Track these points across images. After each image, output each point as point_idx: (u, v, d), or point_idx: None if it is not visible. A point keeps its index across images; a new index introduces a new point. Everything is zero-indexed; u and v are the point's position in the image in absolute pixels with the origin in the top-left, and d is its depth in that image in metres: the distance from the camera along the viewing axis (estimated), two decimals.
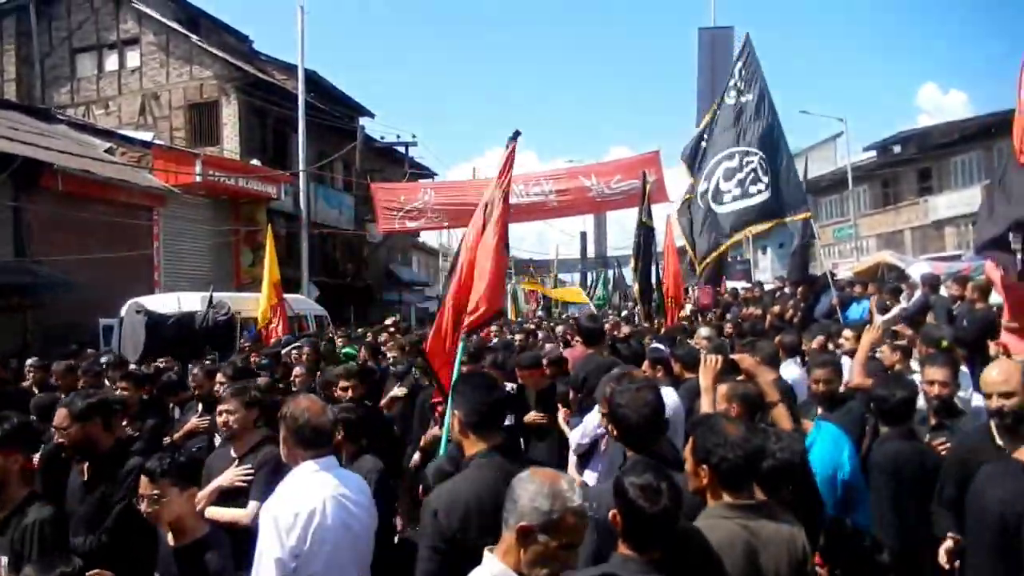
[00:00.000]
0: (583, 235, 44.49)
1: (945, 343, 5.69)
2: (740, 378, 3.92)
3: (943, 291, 9.81)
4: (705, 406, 3.54)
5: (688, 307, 14.54)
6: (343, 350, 8.58)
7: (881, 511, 3.63)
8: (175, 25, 22.84)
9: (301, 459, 2.79)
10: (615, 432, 2.89)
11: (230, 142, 22.24)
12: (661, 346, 7.31)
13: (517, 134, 5.06)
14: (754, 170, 8.86)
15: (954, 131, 31.77)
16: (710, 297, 14.18)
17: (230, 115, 22.35)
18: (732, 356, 3.98)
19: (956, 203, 31.68)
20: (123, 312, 13.24)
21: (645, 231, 10.82)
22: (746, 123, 9.06)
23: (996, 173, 8.05)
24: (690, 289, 16.95)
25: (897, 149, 36.94)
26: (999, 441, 3.23)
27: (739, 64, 9.34)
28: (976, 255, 10.69)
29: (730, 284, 19.56)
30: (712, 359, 3.73)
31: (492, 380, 2.99)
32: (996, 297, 7.96)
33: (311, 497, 2.67)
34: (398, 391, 6.45)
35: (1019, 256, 7.85)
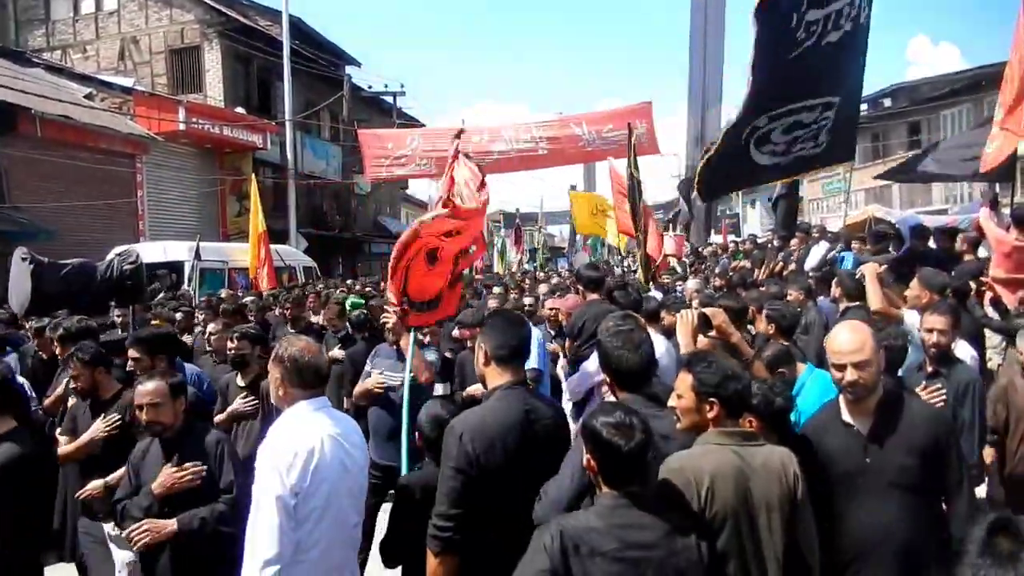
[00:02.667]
0: (572, 188, 44.32)
1: (949, 290, 5.67)
2: (712, 334, 3.94)
3: (931, 244, 9.83)
4: None
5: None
6: (349, 300, 8.52)
7: None
8: None
9: (296, 399, 2.77)
10: (607, 374, 2.88)
11: (213, 89, 21.78)
12: (657, 294, 7.35)
13: (460, 132, 5.10)
14: (820, 128, 7.84)
15: (944, 84, 31.65)
16: (679, 247, 13.96)
17: (213, 61, 21.84)
18: (704, 311, 3.94)
19: (944, 157, 31.63)
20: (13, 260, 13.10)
21: (633, 183, 10.75)
22: (841, 59, 7.56)
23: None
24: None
25: (887, 103, 36.82)
26: (847, 418, 2.87)
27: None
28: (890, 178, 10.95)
29: (717, 238, 19.58)
30: (687, 314, 3.68)
31: (520, 317, 3.05)
32: (983, 252, 8.06)
33: (309, 436, 2.67)
34: None
35: (1008, 210, 7.91)
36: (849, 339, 2.80)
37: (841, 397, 2.89)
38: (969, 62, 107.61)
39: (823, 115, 7.54)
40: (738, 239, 18.84)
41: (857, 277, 5.73)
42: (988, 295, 6.70)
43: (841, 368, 2.77)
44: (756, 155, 7.89)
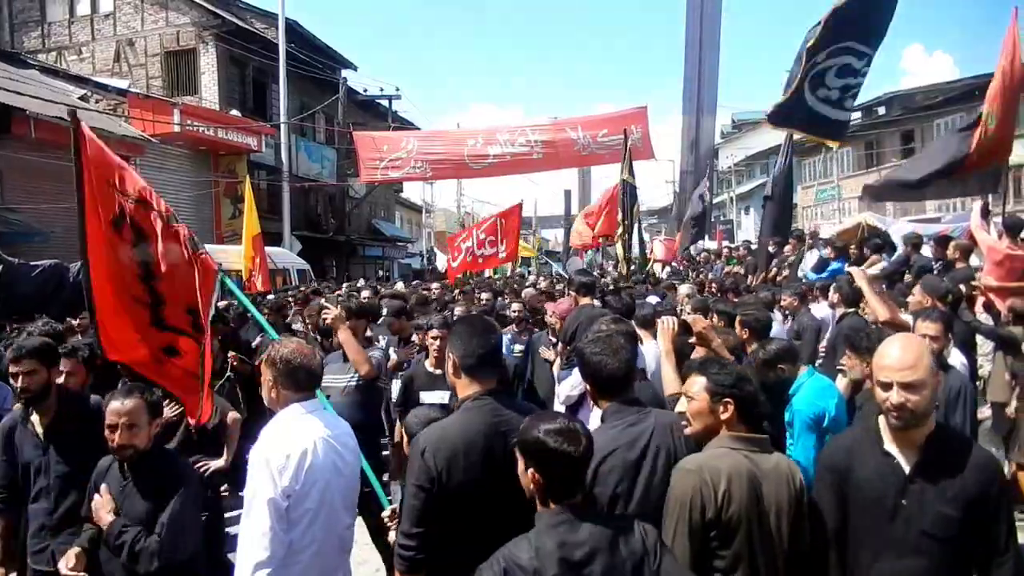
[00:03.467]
0: (567, 193, 44.38)
1: (951, 297, 5.68)
2: (692, 340, 3.96)
3: (925, 250, 9.89)
4: (667, 371, 3.42)
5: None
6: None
7: None
8: None
9: (289, 401, 2.77)
10: (587, 381, 2.86)
11: (208, 92, 21.76)
12: (653, 299, 7.37)
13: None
14: (860, 85, 8.39)
15: (938, 93, 31.84)
16: (671, 253, 14.00)
17: (208, 64, 21.84)
18: (685, 318, 3.97)
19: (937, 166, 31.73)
20: None
21: (628, 188, 10.79)
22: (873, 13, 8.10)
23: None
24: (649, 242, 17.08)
25: (881, 111, 37.00)
26: (889, 446, 2.42)
27: None
28: (873, 198, 11.06)
29: (711, 244, 19.55)
30: (668, 321, 3.65)
31: (488, 324, 2.95)
32: (975, 260, 8.12)
33: (302, 438, 2.66)
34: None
35: (999, 219, 7.97)
36: (900, 355, 2.32)
37: (882, 419, 2.44)
38: (963, 71, 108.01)
39: (864, 69, 7.84)
40: (732, 245, 18.88)
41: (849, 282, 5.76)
42: (980, 301, 6.76)
43: (887, 387, 2.33)
44: (810, 99, 8.09)
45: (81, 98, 18.16)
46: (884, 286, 8.58)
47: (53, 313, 6.33)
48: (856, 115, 38.22)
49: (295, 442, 2.64)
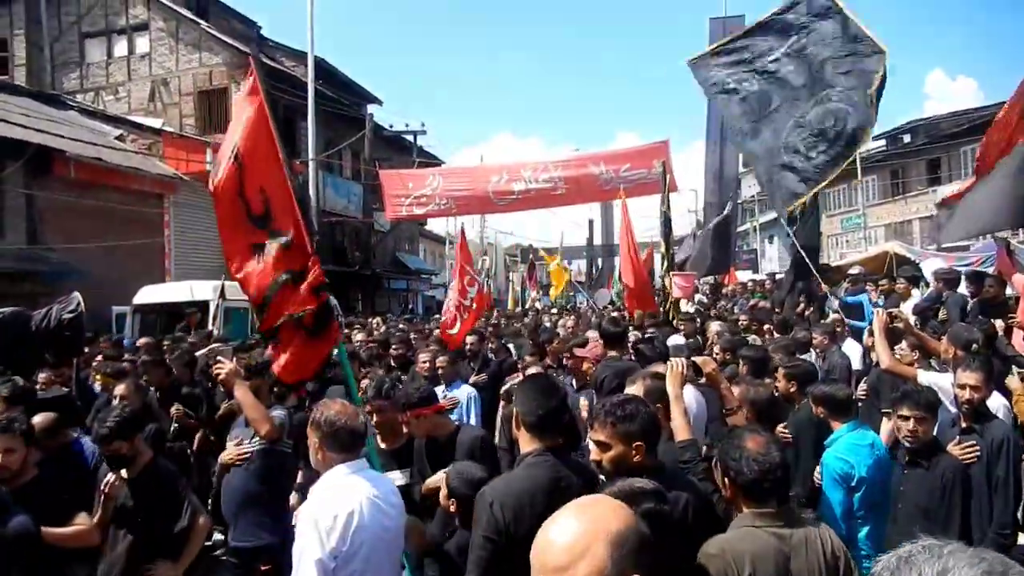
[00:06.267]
0: (591, 222, 44.44)
1: (976, 346, 5.64)
2: (702, 381, 3.96)
3: (962, 287, 9.75)
4: (676, 417, 3.30)
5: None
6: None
7: None
8: (184, 11, 22.82)
9: (334, 463, 2.85)
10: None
11: None
12: (680, 340, 7.37)
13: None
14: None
15: (963, 121, 31.65)
16: (687, 289, 13.54)
17: (239, 103, 22.35)
18: (695, 359, 3.90)
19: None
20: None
21: (666, 220, 10.87)
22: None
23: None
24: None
25: (906, 138, 36.80)
26: None
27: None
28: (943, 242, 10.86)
29: (741, 274, 19.39)
30: (677, 363, 3.49)
31: (553, 383, 3.06)
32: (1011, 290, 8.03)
33: (349, 499, 2.74)
34: None
35: None
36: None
37: None
38: (986, 95, 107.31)
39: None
40: (757, 277, 18.76)
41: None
42: (1020, 334, 6.66)
43: None
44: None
45: (118, 138, 18.67)
46: (917, 322, 8.56)
47: (15, 363, 5.75)
48: (880, 143, 38.18)
49: (343, 503, 2.72)
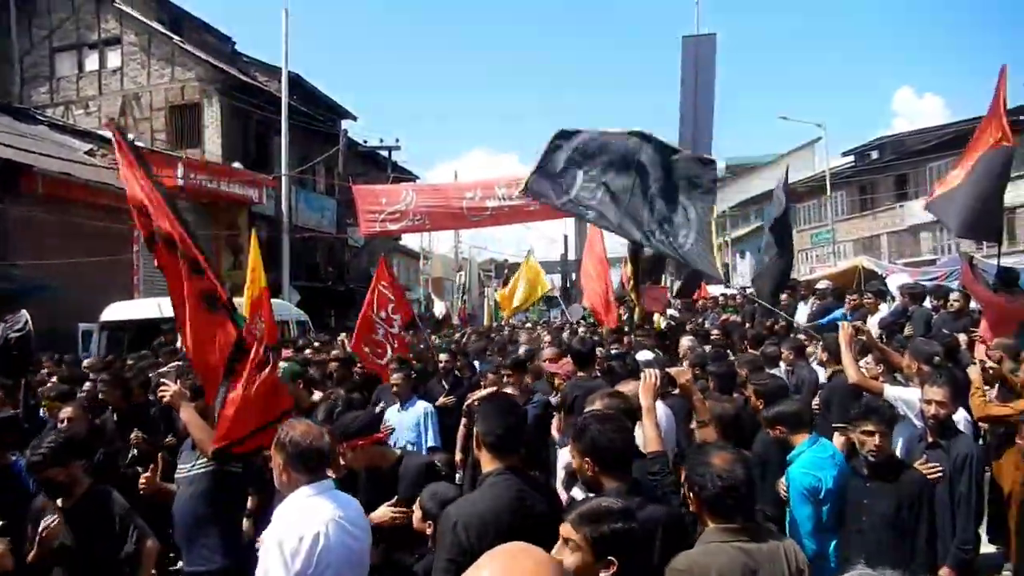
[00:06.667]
0: (565, 238, 44.67)
1: (938, 358, 5.74)
2: (675, 391, 4.00)
3: (927, 302, 9.93)
4: (648, 429, 3.34)
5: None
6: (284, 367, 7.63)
7: None
8: (157, 25, 22.67)
9: (299, 484, 2.83)
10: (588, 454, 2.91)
11: (212, 145, 22.10)
12: (649, 355, 7.41)
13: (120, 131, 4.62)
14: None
15: (930, 138, 32.34)
16: (658, 302, 13.29)
17: (212, 118, 22.22)
18: (669, 370, 3.94)
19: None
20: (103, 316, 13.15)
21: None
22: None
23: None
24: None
25: (874, 155, 37.53)
26: None
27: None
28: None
29: (714, 289, 19.42)
30: (650, 374, 3.55)
31: (512, 403, 3.08)
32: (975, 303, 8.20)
33: (314, 521, 2.72)
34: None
35: (992, 272, 8.07)
36: None
37: None
38: (953, 112, 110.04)
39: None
40: (727, 291, 18.93)
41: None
42: (983, 348, 6.80)
43: None
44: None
45: (87, 152, 18.45)
46: (884, 336, 8.70)
47: None
48: (849, 159, 38.86)
49: (308, 525, 2.70)
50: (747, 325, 11.45)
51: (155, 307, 13.32)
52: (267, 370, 3.91)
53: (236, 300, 14.07)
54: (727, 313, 14.01)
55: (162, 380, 4.40)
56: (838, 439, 4.44)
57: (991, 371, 5.60)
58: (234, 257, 20.68)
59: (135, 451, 5.31)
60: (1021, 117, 24.71)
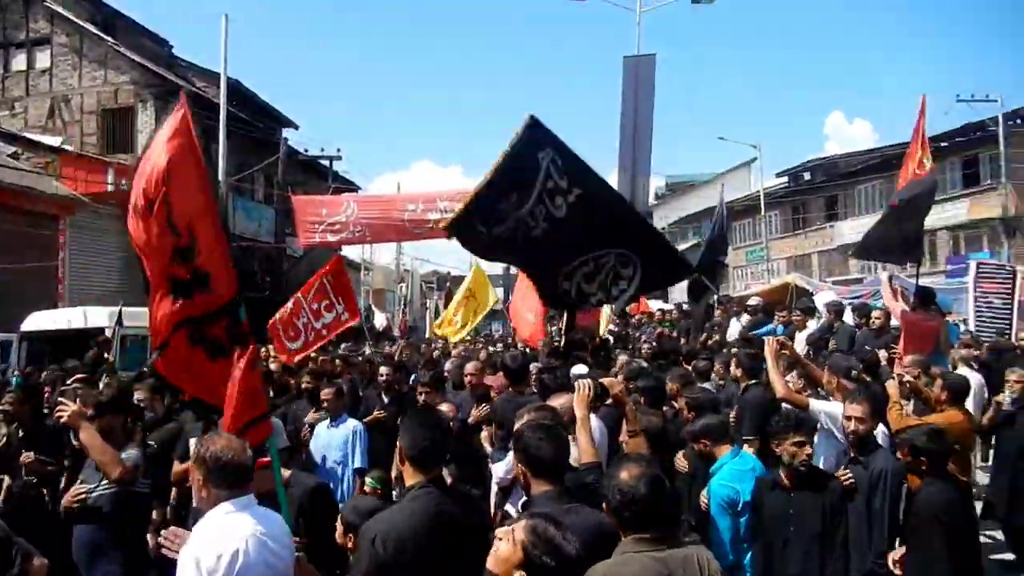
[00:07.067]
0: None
1: (855, 372, 5.96)
2: (608, 402, 4.06)
3: (848, 318, 10.32)
4: (583, 439, 3.40)
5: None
6: None
7: None
8: (89, 26, 21.98)
9: (219, 500, 2.76)
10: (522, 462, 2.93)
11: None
12: (584, 369, 7.47)
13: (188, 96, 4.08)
14: (610, 269, 6.39)
15: (858, 161, 33.68)
16: (591, 318, 13.16)
17: (146, 122, 21.62)
18: (602, 381, 3.98)
19: (860, 229, 33.37)
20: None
21: None
22: (581, 224, 6.11)
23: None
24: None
25: (807, 176, 38.83)
26: None
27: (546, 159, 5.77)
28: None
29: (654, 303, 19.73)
30: (584, 385, 3.60)
31: (435, 416, 3.06)
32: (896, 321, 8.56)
33: (234, 537, 2.65)
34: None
35: (911, 289, 8.44)
36: None
37: None
38: (881, 137, 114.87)
39: (600, 261, 6.28)
40: (664, 306, 19.29)
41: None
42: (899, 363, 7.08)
43: None
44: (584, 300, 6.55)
45: (12, 155, 17.73)
46: (811, 352, 8.99)
47: None
48: (783, 180, 40.12)
49: (227, 542, 2.63)
50: (682, 341, 11.69)
51: (80, 317, 12.87)
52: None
53: None
54: (663, 328, 14.28)
55: (60, 400, 4.23)
56: (748, 450, 4.56)
57: (908, 385, 5.86)
58: None
59: (29, 476, 5.00)
60: (942, 144, 26.08)
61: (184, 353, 3.65)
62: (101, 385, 7.58)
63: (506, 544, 2.10)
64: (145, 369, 9.14)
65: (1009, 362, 8.04)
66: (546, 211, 5.52)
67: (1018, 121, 28.81)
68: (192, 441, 4.22)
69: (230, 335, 3.65)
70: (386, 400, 7.03)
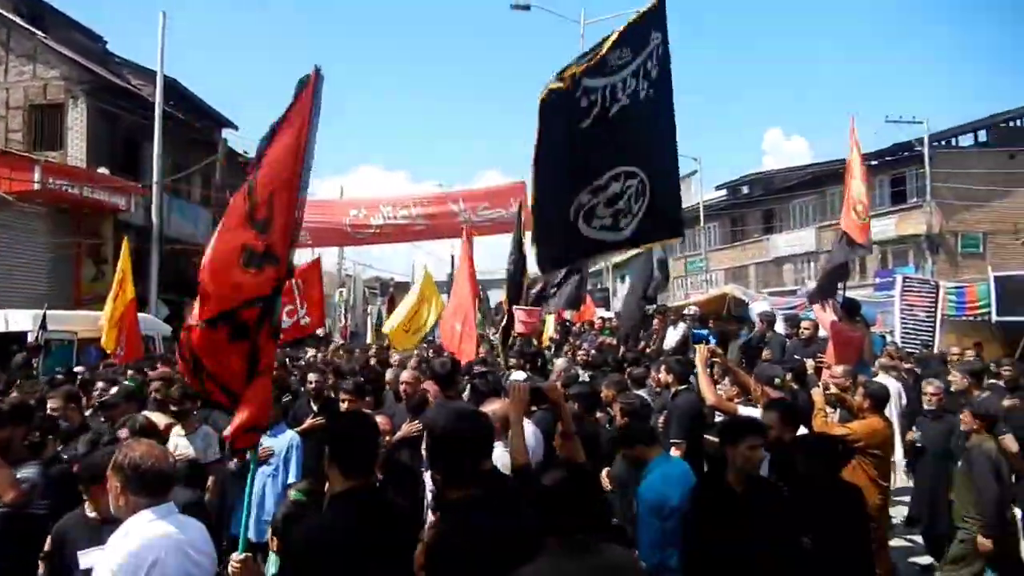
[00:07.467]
0: (452, 257, 44.68)
1: (778, 380, 6.16)
2: (545, 406, 4.10)
3: (779, 327, 10.64)
4: (516, 441, 3.42)
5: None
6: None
7: None
8: (16, 19, 21.11)
9: (139, 508, 2.68)
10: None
11: (75, 148, 20.73)
12: (522, 375, 7.52)
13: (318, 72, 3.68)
14: (630, 197, 6.69)
15: (794, 176, 34.75)
16: (530, 325, 13.07)
17: (76, 119, 20.86)
18: (539, 386, 4.01)
19: (794, 242, 34.54)
20: None
21: (519, 259, 11.05)
22: (630, 131, 6.55)
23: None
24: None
25: (745, 190, 39.87)
26: None
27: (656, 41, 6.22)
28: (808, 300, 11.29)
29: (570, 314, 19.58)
30: (519, 388, 3.61)
31: (364, 420, 3.03)
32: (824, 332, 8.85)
33: (153, 547, 2.59)
34: None
35: (839, 299, 8.73)
36: None
37: None
38: (816, 153, 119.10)
39: (627, 183, 6.61)
40: (606, 314, 19.49)
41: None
42: (827, 373, 7.34)
43: None
44: (585, 230, 6.63)
45: None
46: (742, 361, 9.22)
47: None
48: (722, 193, 41.12)
49: (145, 551, 2.57)
50: (622, 348, 11.84)
51: (1, 320, 12.36)
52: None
53: (94, 314, 13.24)
54: (603, 336, 14.43)
55: None
56: (675, 453, 4.66)
57: (831, 394, 6.07)
58: (96, 268, 19.45)
59: None
60: (872, 162, 27.13)
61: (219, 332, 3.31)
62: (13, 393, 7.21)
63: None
64: (59, 375, 8.77)
65: (934, 373, 8.42)
66: (635, 86, 6.04)
67: (943, 143, 30.19)
68: None
69: (258, 322, 3.29)
70: (314, 407, 6.81)
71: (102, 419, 5.97)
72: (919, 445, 6.61)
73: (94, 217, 19.65)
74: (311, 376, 7.14)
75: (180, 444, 5.33)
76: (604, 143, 6.19)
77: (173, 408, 5.59)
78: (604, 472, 4.73)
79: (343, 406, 5.58)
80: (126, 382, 6.43)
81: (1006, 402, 6.34)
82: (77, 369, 10.03)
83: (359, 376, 7.37)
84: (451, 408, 4.68)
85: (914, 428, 6.93)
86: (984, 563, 5.24)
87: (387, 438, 4.92)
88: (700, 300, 19.07)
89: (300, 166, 3.53)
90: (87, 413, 6.33)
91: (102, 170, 20.19)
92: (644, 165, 6.50)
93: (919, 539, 7.00)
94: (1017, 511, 5.74)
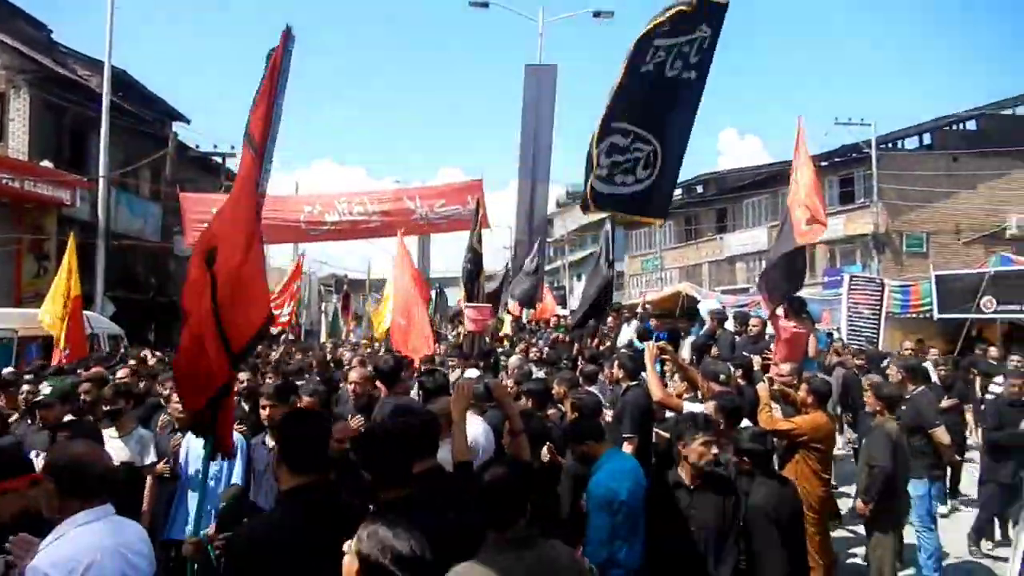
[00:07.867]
0: (410, 254, 44.34)
1: (723, 376, 6.28)
2: (491, 404, 4.15)
3: (729, 325, 10.83)
4: (458, 439, 3.43)
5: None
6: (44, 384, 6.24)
7: None
8: None
9: (74, 510, 2.61)
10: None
11: (17, 140, 20.07)
12: (475, 373, 7.54)
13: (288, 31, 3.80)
14: (636, 161, 6.97)
15: (747, 176, 35.36)
16: (481, 322, 13.04)
17: (19, 110, 20.19)
18: (487, 382, 4.09)
19: (746, 241, 35.16)
20: None
21: (475, 257, 11.09)
22: (657, 101, 6.77)
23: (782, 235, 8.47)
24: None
25: (700, 189, 40.43)
26: None
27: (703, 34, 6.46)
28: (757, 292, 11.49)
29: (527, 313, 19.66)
30: (463, 386, 3.65)
31: (316, 416, 3.01)
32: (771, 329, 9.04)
33: (88, 550, 2.51)
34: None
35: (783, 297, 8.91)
36: None
37: None
38: (770, 154, 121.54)
39: (634, 145, 6.84)
40: (561, 312, 19.61)
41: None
42: (775, 370, 7.50)
43: None
44: (593, 180, 6.97)
45: None
46: (693, 358, 9.37)
47: None
48: (678, 192, 41.66)
49: (80, 554, 2.49)
50: (575, 345, 11.92)
51: None
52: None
53: (35, 311, 12.86)
54: (558, 333, 14.53)
55: None
56: (628, 448, 4.73)
57: (775, 389, 6.22)
58: (38, 264, 18.86)
59: None
60: (822, 163, 27.74)
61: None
62: None
63: (348, 556, 2.09)
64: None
65: (879, 370, 8.67)
66: (686, 60, 6.48)
67: (889, 145, 31.03)
68: None
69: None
70: (246, 408, 6.38)
71: (28, 421, 5.76)
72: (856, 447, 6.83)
73: (36, 212, 19.06)
74: (241, 375, 6.67)
75: (113, 447, 4.99)
76: (644, 96, 6.59)
77: (105, 408, 5.41)
78: (546, 447, 4.77)
79: (264, 412, 5.21)
80: (47, 383, 6.11)
81: (944, 403, 6.60)
82: (6, 370, 9.67)
83: (316, 376, 7.28)
84: (390, 405, 4.69)
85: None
86: (892, 538, 5.78)
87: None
88: (654, 298, 19.33)
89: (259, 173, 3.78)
90: (13, 418, 5.96)
91: (46, 163, 19.59)
92: (661, 140, 6.90)
93: (861, 530, 7.20)
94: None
